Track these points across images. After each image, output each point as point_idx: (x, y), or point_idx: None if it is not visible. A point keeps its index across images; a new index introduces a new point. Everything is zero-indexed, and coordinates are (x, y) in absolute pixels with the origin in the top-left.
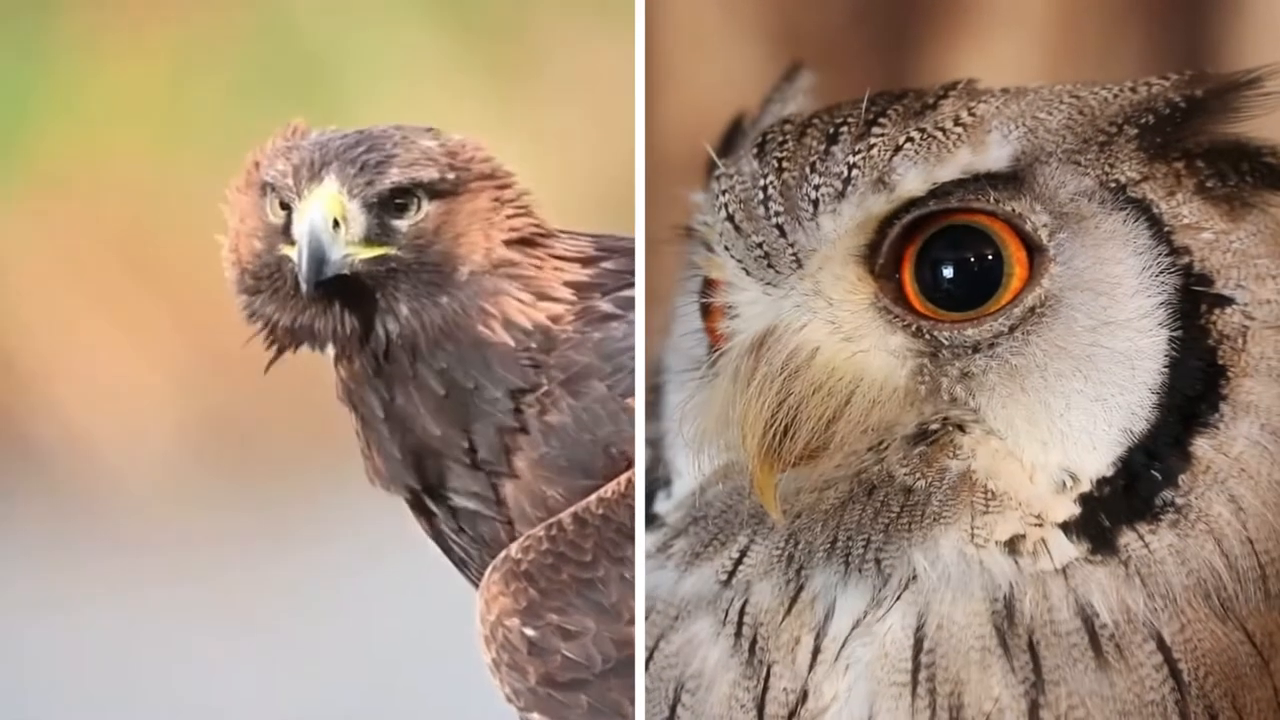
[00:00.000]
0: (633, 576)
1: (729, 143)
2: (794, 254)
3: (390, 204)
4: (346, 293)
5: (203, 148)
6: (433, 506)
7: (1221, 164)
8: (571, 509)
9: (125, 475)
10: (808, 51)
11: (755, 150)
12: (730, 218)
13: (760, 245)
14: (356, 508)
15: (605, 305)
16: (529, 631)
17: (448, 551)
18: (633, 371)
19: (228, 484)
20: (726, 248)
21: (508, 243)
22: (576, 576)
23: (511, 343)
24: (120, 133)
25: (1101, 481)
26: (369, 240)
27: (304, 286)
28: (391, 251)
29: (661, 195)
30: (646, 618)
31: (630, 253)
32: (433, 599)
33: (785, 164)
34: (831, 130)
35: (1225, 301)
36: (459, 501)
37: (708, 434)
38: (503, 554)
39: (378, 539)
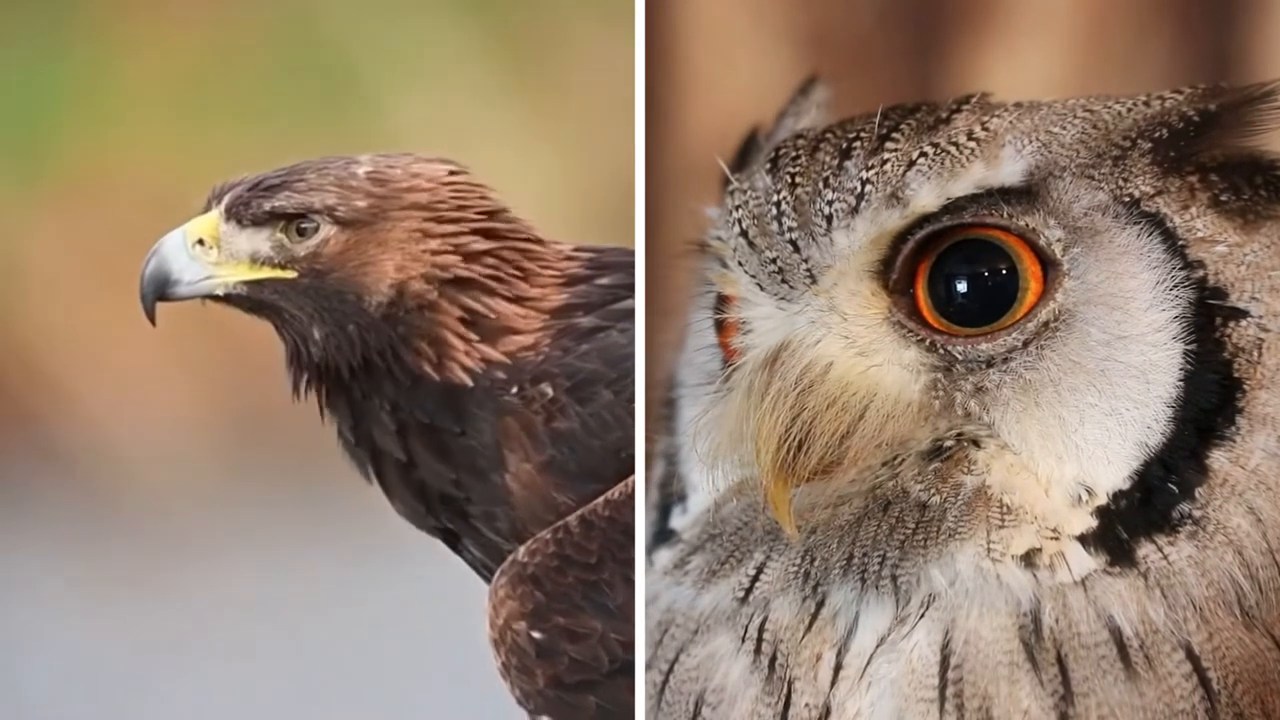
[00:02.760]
0: None
1: (744, 156)
2: (808, 269)
3: (291, 228)
4: (271, 316)
5: (225, 148)
6: (447, 524)
7: (1235, 177)
8: (578, 512)
9: (147, 475)
10: (834, 58)
11: (769, 165)
12: (744, 233)
13: (774, 260)
14: (379, 508)
15: (588, 321)
16: (536, 634)
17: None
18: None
19: (249, 483)
20: (740, 263)
21: (439, 280)
22: (582, 579)
23: (471, 383)
24: (142, 134)
25: (1118, 495)
26: (256, 262)
27: (141, 305)
28: (286, 275)
29: (683, 207)
30: (666, 630)
31: (623, 267)
32: (453, 600)
33: (799, 179)
34: (844, 145)
35: (1240, 314)
36: (469, 510)
37: (722, 449)
38: (510, 558)
39: (400, 539)
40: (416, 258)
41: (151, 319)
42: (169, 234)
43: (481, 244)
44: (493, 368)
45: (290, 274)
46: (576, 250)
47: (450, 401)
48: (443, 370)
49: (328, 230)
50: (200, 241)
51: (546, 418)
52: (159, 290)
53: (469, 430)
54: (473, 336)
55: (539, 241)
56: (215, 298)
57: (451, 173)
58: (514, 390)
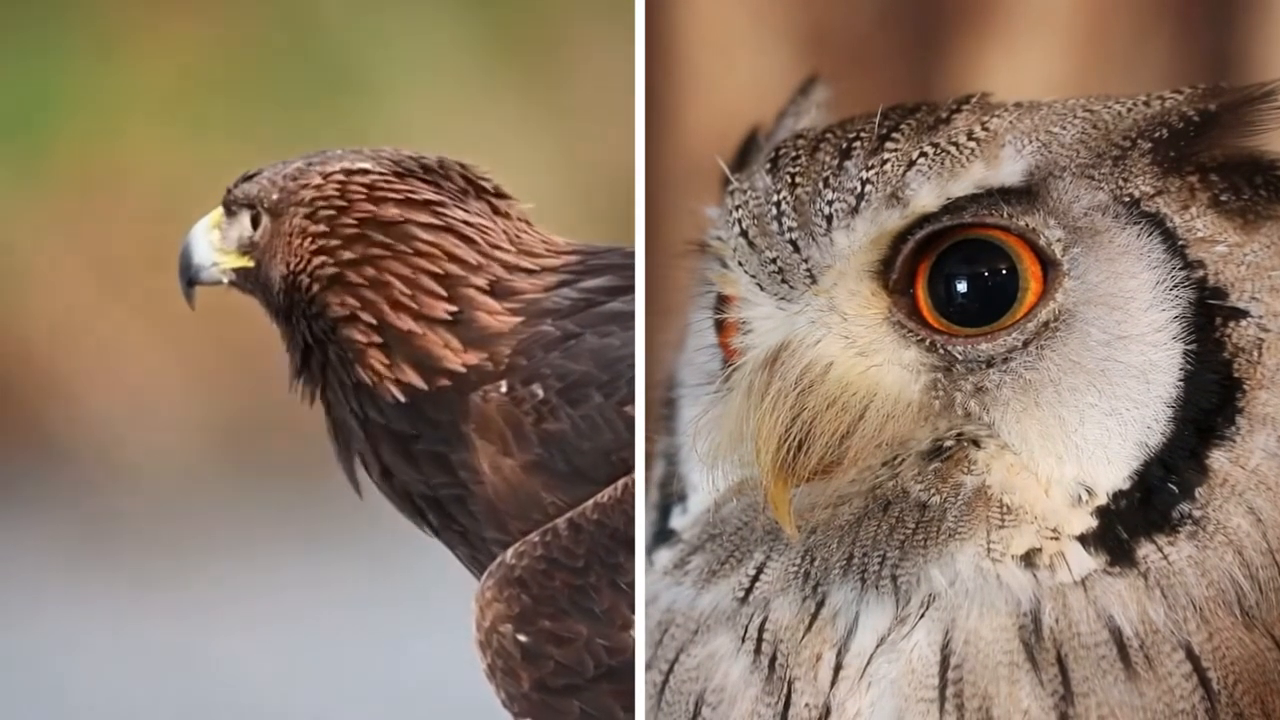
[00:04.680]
0: (625, 583)
1: (744, 156)
2: (808, 269)
3: (251, 217)
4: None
5: (226, 145)
6: (434, 523)
7: (1235, 177)
8: (567, 515)
9: (146, 474)
10: (834, 58)
11: (769, 165)
12: (744, 233)
13: (774, 260)
14: (376, 509)
15: (560, 327)
16: (522, 638)
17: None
18: (630, 380)
19: (248, 483)
20: (740, 263)
21: (322, 279)
22: (569, 583)
23: (403, 397)
24: (144, 132)
25: (1118, 495)
26: (241, 251)
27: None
28: (248, 263)
29: (683, 207)
30: (666, 630)
31: (617, 269)
32: (451, 599)
33: (799, 179)
34: (844, 145)
35: (1240, 314)
36: (451, 510)
37: (722, 449)
38: (498, 560)
39: (396, 541)
40: (298, 254)
41: (189, 302)
42: (201, 219)
43: (352, 251)
44: (435, 375)
45: (249, 263)
46: (559, 252)
47: (401, 407)
48: (366, 376)
49: (265, 221)
50: (219, 228)
51: (537, 419)
52: (185, 274)
53: (425, 435)
54: (376, 339)
55: (485, 251)
56: (233, 284)
57: (349, 172)
58: (503, 390)
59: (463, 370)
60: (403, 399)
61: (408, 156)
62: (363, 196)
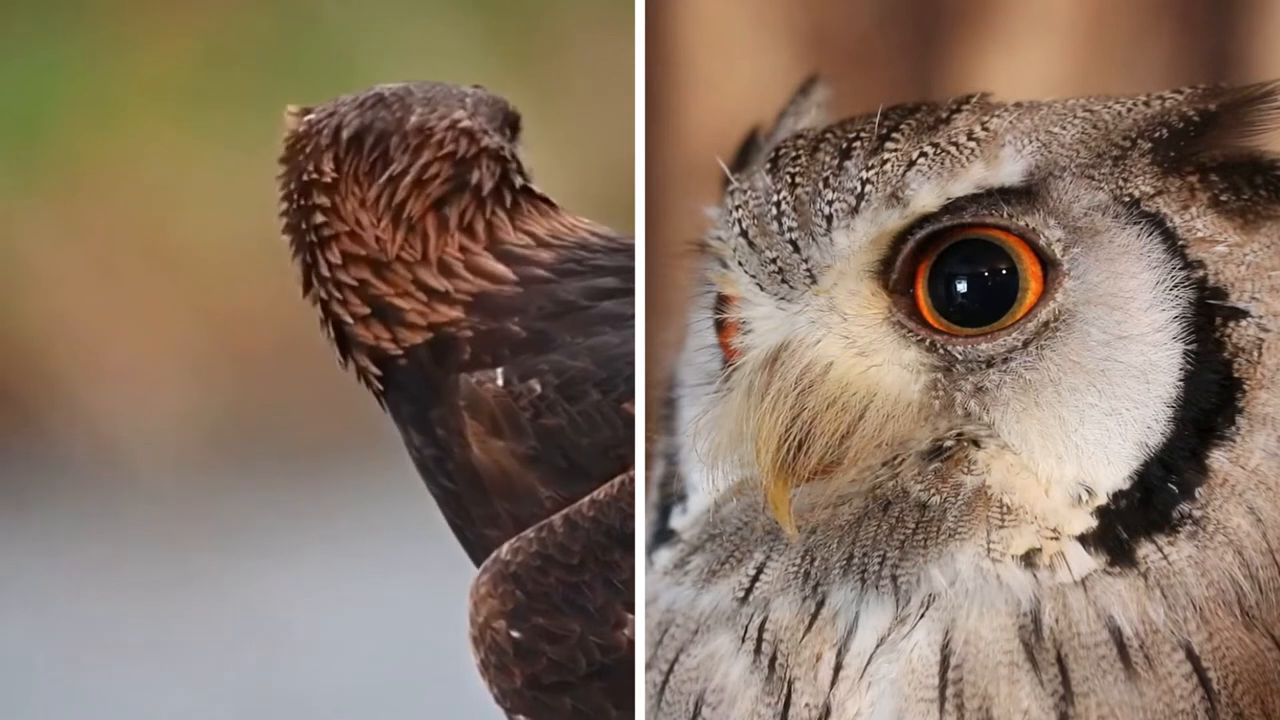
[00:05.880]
0: (620, 581)
1: (744, 156)
2: (808, 269)
3: None
4: None
5: (225, 143)
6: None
7: (1235, 177)
8: (563, 511)
9: (143, 468)
10: (834, 58)
11: (769, 165)
12: (744, 233)
13: (774, 260)
14: (371, 501)
15: (528, 327)
16: (515, 634)
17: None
18: (628, 377)
19: (243, 477)
20: (740, 263)
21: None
22: (563, 580)
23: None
24: (144, 129)
25: (1118, 495)
26: None
27: None
28: None
29: (683, 207)
30: (666, 630)
31: (616, 271)
32: (447, 593)
33: (799, 179)
34: (844, 145)
35: (1240, 314)
36: (439, 478)
37: (722, 449)
38: (493, 555)
39: (392, 532)
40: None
41: None
42: None
43: (287, 215)
44: (381, 362)
45: None
46: (557, 245)
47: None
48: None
49: None
50: None
51: (534, 414)
52: None
53: (402, 406)
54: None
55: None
56: None
57: (302, 111)
58: (499, 382)
59: (401, 355)
60: (375, 368)
61: (395, 111)
62: (289, 152)
